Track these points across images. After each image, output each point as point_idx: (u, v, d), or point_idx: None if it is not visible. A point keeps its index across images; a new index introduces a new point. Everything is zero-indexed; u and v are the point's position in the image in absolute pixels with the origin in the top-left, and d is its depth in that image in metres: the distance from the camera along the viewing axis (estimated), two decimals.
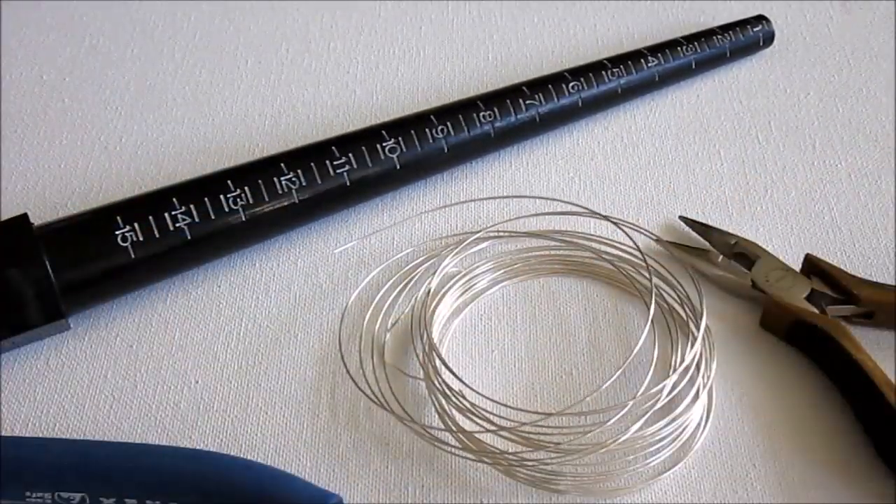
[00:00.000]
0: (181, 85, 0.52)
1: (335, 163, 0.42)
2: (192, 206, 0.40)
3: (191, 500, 0.32)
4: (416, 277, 0.42)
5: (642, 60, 0.49)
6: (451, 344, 0.40)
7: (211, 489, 0.32)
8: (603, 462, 0.35)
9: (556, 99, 0.47)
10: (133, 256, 0.38)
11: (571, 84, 0.48)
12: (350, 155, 0.43)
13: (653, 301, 0.38)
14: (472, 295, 0.42)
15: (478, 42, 0.55)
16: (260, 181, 0.41)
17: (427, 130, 0.44)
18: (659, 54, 0.50)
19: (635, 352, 0.36)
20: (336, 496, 0.33)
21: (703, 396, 0.37)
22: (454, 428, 0.36)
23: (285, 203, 0.41)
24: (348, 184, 0.42)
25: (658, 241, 0.43)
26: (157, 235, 0.39)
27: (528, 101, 0.46)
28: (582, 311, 0.41)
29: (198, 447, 0.36)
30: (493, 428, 0.35)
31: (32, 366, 0.40)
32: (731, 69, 0.53)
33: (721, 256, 0.42)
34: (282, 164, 0.42)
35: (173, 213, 0.39)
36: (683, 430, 0.36)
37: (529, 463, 0.35)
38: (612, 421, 0.35)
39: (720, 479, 0.36)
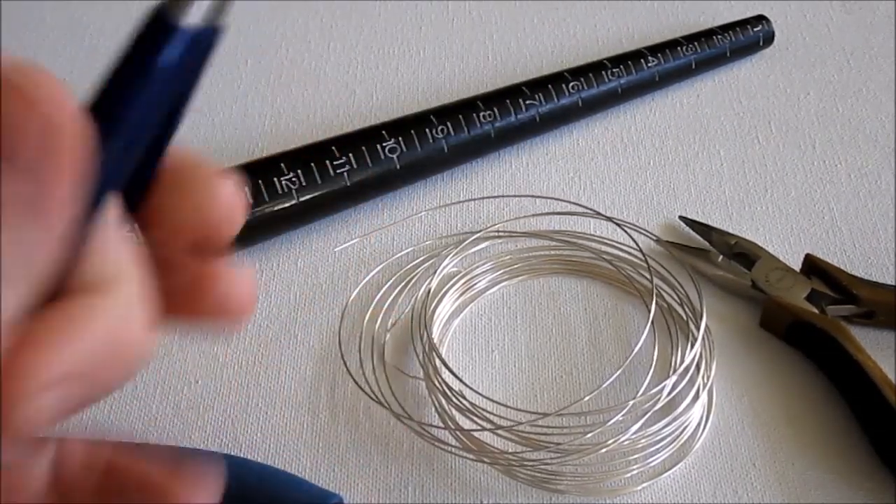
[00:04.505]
0: None
1: (335, 163, 0.42)
2: None
3: None
4: (416, 277, 0.42)
5: (642, 60, 0.49)
6: (451, 344, 0.40)
7: None
8: (603, 462, 0.35)
9: (555, 99, 0.47)
10: None
11: (571, 84, 0.48)
12: (350, 155, 0.43)
13: (653, 301, 0.38)
14: (472, 295, 0.42)
15: (478, 42, 0.55)
16: (260, 181, 0.41)
17: (427, 130, 0.44)
18: (659, 54, 0.50)
19: (635, 351, 0.36)
20: (337, 496, 0.33)
21: (703, 396, 0.37)
22: (452, 426, 0.36)
23: (285, 203, 0.41)
24: (348, 184, 0.42)
25: (658, 241, 0.43)
26: None
27: (528, 101, 0.46)
28: (582, 311, 0.41)
29: (198, 447, 0.36)
30: (490, 426, 0.35)
31: None
32: (731, 69, 0.53)
33: (721, 256, 0.42)
34: (282, 165, 0.42)
35: None
36: (683, 430, 0.36)
37: (529, 463, 0.35)
38: (612, 421, 0.35)
39: (720, 479, 0.36)
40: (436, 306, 0.40)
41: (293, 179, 0.41)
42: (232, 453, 0.36)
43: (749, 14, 0.54)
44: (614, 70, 0.49)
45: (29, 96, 0.14)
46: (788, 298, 0.39)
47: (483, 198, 0.46)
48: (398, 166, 0.44)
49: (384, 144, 0.43)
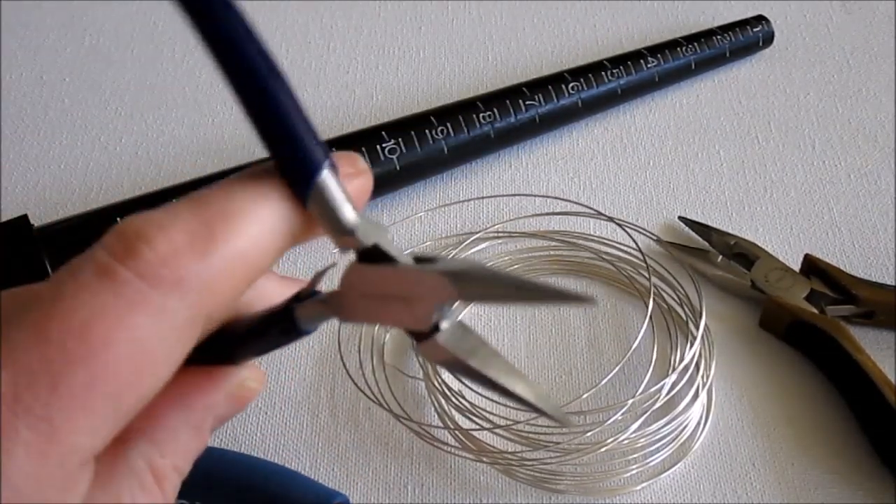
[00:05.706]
0: (181, 85, 0.52)
1: None
2: None
3: (197, 495, 0.32)
4: None
5: (642, 61, 0.49)
6: None
7: (216, 485, 0.32)
8: (602, 461, 0.35)
9: (555, 99, 0.47)
10: None
11: (571, 84, 0.48)
12: None
13: (651, 301, 0.38)
14: None
15: (478, 42, 0.55)
16: None
17: (427, 131, 0.44)
18: (658, 55, 0.50)
19: (633, 347, 0.36)
20: (342, 495, 0.33)
21: (703, 396, 0.37)
22: (452, 426, 0.36)
23: None
24: None
25: (658, 241, 0.43)
26: None
27: (527, 102, 0.46)
28: (581, 312, 0.41)
29: None
30: (488, 425, 0.35)
31: None
32: (730, 69, 0.53)
33: (720, 257, 0.42)
34: None
35: None
36: (683, 429, 0.36)
37: (529, 462, 0.35)
38: (611, 420, 0.35)
39: (720, 478, 0.36)
40: None
41: None
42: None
43: (749, 14, 0.54)
44: (614, 70, 0.49)
45: None
46: (788, 298, 0.39)
47: (483, 198, 0.46)
48: (398, 167, 0.44)
49: (384, 145, 0.43)
